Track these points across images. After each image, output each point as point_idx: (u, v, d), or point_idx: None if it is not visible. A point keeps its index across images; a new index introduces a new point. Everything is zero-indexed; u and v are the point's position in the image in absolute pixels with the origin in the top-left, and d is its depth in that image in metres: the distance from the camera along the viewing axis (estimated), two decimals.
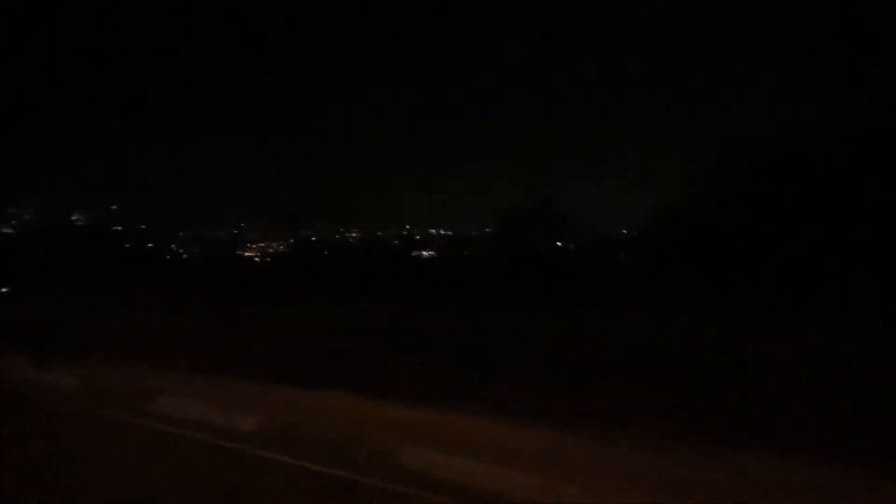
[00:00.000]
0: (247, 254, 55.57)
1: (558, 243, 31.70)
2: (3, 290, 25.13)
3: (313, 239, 56.80)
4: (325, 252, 38.41)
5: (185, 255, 51.40)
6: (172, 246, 54.10)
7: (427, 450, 6.46)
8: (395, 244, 39.29)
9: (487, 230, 37.86)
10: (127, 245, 45.13)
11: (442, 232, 55.37)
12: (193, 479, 6.26)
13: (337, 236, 59.03)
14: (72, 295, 22.01)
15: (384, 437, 6.94)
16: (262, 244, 57.73)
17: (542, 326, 12.13)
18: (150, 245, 46.74)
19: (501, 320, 13.20)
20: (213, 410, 8.78)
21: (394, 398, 8.79)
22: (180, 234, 56.95)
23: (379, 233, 55.45)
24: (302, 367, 10.88)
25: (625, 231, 27.59)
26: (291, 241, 55.97)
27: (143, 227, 53.95)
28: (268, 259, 50.74)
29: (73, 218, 49.38)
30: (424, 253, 39.37)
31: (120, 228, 49.81)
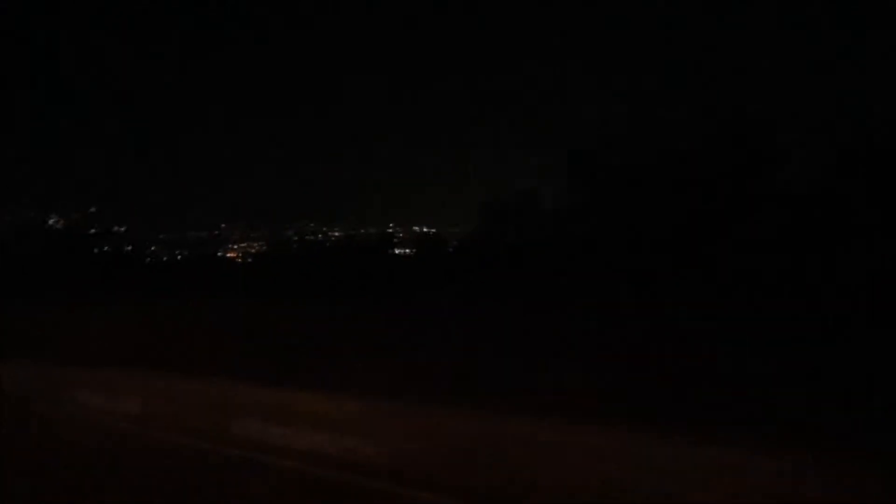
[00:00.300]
0: (228, 254, 55.35)
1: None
2: None
3: (296, 238, 56.45)
4: (299, 251, 38.08)
5: (165, 258, 51.13)
6: (153, 248, 53.83)
7: (259, 421, 7.75)
8: (369, 242, 39.07)
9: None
10: (105, 248, 44.75)
11: (425, 229, 55.23)
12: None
13: (320, 235, 58.80)
14: (37, 300, 22.50)
15: (231, 413, 8.22)
16: (244, 244, 57.49)
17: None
18: (128, 248, 46.16)
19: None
20: (111, 398, 9.91)
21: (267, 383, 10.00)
22: (161, 236, 56.63)
23: (363, 230, 55.30)
24: (217, 360, 11.96)
25: None
26: (274, 241, 55.73)
27: (123, 229, 53.41)
28: (249, 259, 50.51)
29: (50, 221, 48.77)
30: (399, 250, 39.16)
31: (96, 231, 49.20)
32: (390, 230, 52.97)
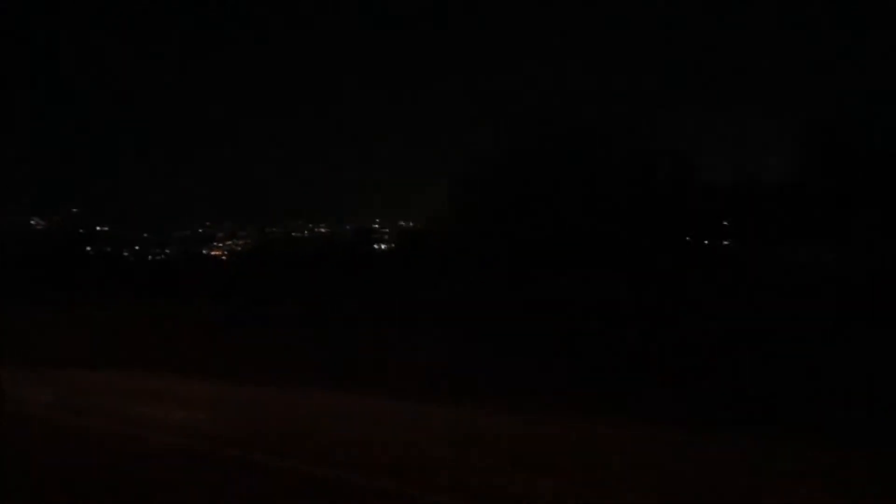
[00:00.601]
0: (213, 252, 54.77)
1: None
2: None
3: (283, 236, 55.96)
4: (281, 248, 37.93)
5: (149, 258, 50.54)
6: (136, 248, 53.17)
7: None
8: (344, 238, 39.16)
9: None
10: (88, 248, 44.19)
11: (412, 224, 54.94)
12: None
13: (306, 232, 58.29)
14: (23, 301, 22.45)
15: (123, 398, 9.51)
16: (230, 242, 56.91)
17: None
18: (108, 249, 45.64)
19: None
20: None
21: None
22: (145, 235, 55.87)
23: (348, 227, 54.86)
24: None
25: None
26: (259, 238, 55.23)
27: (106, 229, 52.76)
28: (234, 258, 50.04)
29: (32, 222, 48.18)
30: (385, 246, 39.17)
31: (82, 231, 48.66)
32: (376, 225, 52.70)
